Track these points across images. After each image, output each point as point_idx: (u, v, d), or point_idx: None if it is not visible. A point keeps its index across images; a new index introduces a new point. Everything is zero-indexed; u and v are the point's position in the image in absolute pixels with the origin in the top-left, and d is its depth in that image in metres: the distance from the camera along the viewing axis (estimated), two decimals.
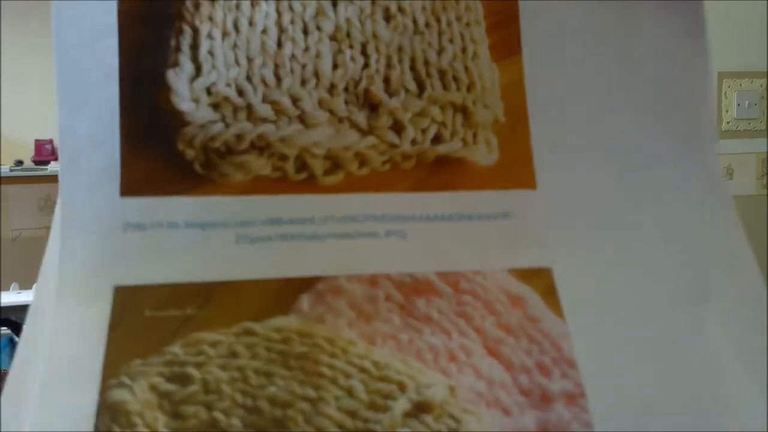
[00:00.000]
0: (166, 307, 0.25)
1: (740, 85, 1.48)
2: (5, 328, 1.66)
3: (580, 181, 0.29)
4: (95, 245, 0.26)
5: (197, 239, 0.26)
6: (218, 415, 0.23)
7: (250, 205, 0.27)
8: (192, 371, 0.24)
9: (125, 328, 0.25)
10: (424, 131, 0.29)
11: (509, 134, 0.29)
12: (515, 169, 0.29)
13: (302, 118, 0.28)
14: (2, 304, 1.56)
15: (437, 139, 0.29)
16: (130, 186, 0.27)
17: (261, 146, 0.28)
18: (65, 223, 0.26)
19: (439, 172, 0.29)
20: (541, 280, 0.27)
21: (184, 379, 0.24)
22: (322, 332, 0.25)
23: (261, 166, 0.28)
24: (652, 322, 0.26)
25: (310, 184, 0.28)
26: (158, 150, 0.27)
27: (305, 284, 0.26)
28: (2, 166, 2.28)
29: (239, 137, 0.28)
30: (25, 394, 0.23)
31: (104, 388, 0.23)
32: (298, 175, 0.28)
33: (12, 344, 1.69)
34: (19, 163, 2.34)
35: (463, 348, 0.26)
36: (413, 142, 0.28)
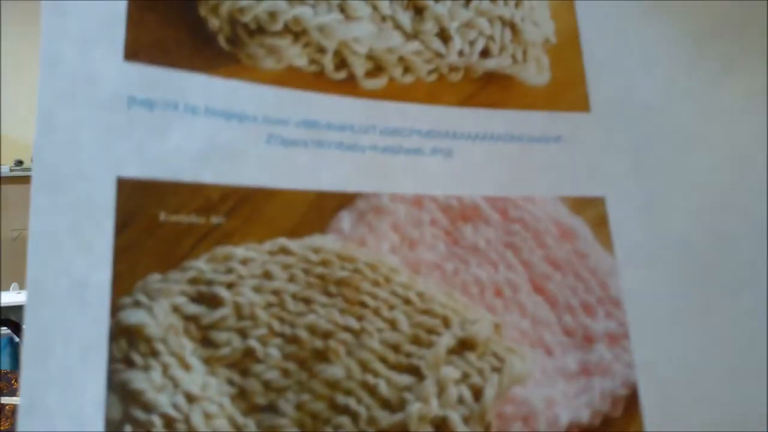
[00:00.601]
0: (186, 212, 0.21)
1: None
2: (5, 328, 1.58)
3: (637, 104, 0.27)
4: (91, 123, 0.21)
5: (220, 130, 0.22)
6: (254, 344, 0.21)
7: (283, 100, 0.23)
8: (222, 292, 0.21)
9: (135, 233, 0.21)
10: (471, 43, 0.26)
11: (561, 55, 0.27)
12: (567, 91, 0.27)
13: (343, 8, 0.24)
14: (2, 304, 1.50)
15: (485, 54, 0.26)
16: (138, 49, 0.22)
17: (296, 31, 0.23)
18: (49, 87, 0.20)
19: (488, 89, 0.26)
20: (593, 209, 0.25)
21: (212, 301, 0.21)
22: (363, 257, 0.23)
23: (296, 54, 0.23)
24: (709, 261, 0.25)
25: (350, 86, 0.24)
26: (177, 10, 0.22)
27: (344, 200, 0.23)
28: (2, 166, 2.24)
29: (272, 15, 0.23)
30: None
31: (116, 308, 0.20)
32: (337, 73, 0.24)
33: (12, 344, 1.60)
34: (19, 163, 2.28)
35: (509, 283, 0.24)
36: (460, 53, 0.25)
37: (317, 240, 0.22)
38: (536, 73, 0.26)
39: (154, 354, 0.20)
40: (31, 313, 0.19)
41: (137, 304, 0.20)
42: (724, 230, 0.25)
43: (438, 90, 0.25)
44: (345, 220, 0.23)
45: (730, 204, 0.26)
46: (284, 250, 0.22)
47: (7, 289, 1.71)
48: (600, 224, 0.25)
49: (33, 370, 0.18)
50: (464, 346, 0.22)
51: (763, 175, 0.26)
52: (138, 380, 0.19)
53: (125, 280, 0.20)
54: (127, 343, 0.20)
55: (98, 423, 0.18)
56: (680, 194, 0.26)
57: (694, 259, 0.25)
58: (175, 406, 0.19)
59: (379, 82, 0.24)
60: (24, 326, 0.19)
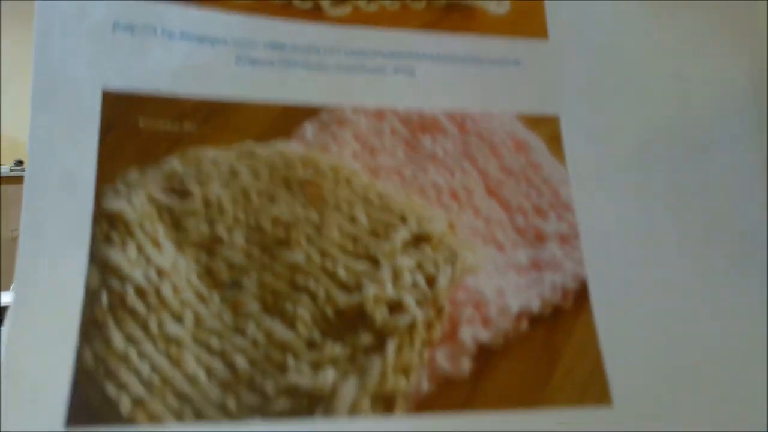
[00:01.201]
0: (162, 119, 0.24)
1: None
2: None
3: (592, 34, 0.28)
4: (81, 45, 0.24)
5: (194, 52, 0.25)
6: (221, 231, 0.23)
7: (251, 25, 0.26)
8: (192, 186, 0.23)
9: (118, 135, 0.23)
10: None
11: None
12: (527, 20, 0.28)
13: None
14: (2, 304, 1.56)
15: None
16: None
17: None
18: (46, 15, 0.24)
19: (450, 16, 0.28)
20: (547, 127, 0.27)
21: (184, 194, 0.23)
22: (326, 161, 0.25)
23: None
24: (654, 177, 0.26)
25: (316, 14, 0.26)
26: None
27: (309, 113, 0.25)
28: (2, 166, 2.24)
29: None
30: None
31: (99, 195, 0.22)
32: (304, 3, 0.26)
33: None
34: (19, 163, 2.28)
35: (465, 188, 0.26)
36: None
37: (282, 145, 0.25)
38: (496, 2, 0.28)
39: (131, 235, 0.22)
40: (28, 198, 0.22)
41: (118, 193, 0.23)
42: (669, 154, 0.27)
43: (401, 17, 0.27)
44: (309, 129, 0.25)
45: (674, 131, 0.27)
46: (251, 153, 0.24)
47: (7, 289, 1.74)
48: (554, 141, 0.27)
49: (28, 245, 0.21)
50: (420, 240, 0.24)
51: (706, 108, 0.27)
52: (116, 256, 0.22)
53: (108, 174, 0.23)
54: (108, 225, 0.22)
55: (79, 290, 0.21)
56: (629, 117, 0.27)
57: (640, 174, 0.26)
58: (147, 279, 0.21)
59: (344, 10, 0.27)
60: (22, 210, 0.22)
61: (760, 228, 0.25)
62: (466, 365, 0.22)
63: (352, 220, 0.24)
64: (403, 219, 0.24)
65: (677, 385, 0.22)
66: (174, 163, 0.24)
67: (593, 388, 0.22)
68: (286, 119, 0.25)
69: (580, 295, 0.24)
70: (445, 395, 0.22)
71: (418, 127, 0.26)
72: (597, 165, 0.26)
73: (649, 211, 0.25)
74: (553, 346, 0.23)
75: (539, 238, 0.25)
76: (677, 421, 0.22)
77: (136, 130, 0.24)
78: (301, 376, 0.21)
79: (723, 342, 0.23)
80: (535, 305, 0.24)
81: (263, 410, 0.20)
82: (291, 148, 0.25)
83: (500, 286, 0.24)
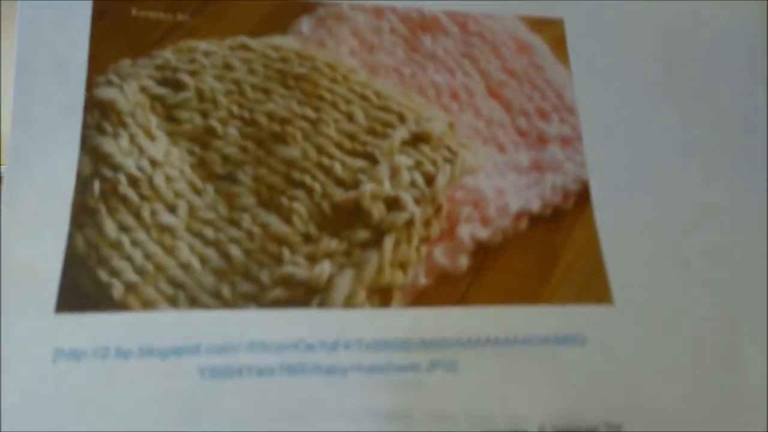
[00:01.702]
0: (155, 9, 0.23)
1: None
2: None
3: None
4: None
5: None
6: (214, 123, 0.22)
7: None
8: (185, 78, 0.23)
9: (110, 24, 0.23)
10: None
11: None
12: None
13: None
14: None
15: None
16: None
17: None
18: None
19: None
20: (551, 29, 0.26)
21: (176, 85, 0.23)
22: (322, 56, 0.24)
23: None
24: (658, 79, 0.25)
25: None
26: None
27: (305, 8, 0.24)
28: (2, 166, 2.20)
29: None
30: None
31: (91, 85, 0.22)
32: None
33: None
34: None
35: (465, 88, 0.25)
36: None
37: (277, 39, 0.24)
38: None
39: (123, 125, 0.22)
40: (18, 83, 0.21)
41: (110, 82, 0.22)
42: (674, 55, 0.26)
43: None
44: (305, 23, 0.24)
45: (680, 33, 0.26)
46: (245, 46, 0.24)
47: None
48: (558, 43, 0.26)
49: (19, 130, 0.21)
50: (419, 139, 0.24)
51: (714, 10, 0.26)
52: (108, 145, 0.21)
53: (100, 62, 0.22)
54: (99, 114, 0.22)
55: (71, 177, 0.20)
56: (634, 20, 0.26)
57: (645, 76, 0.25)
58: (140, 168, 0.21)
59: None
60: (12, 94, 0.21)
61: (762, 132, 0.25)
62: (463, 261, 0.22)
63: (350, 117, 0.23)
64: (402, 118, 0.24)
65: (678, 284, 0.22)
66: (166, 54, 0.23)
67: (593, 287, 0.22)
68: (281, 13, 0.24)
69: (582, 196, 0.24)
70: (443, 290, 0.22)
71: (418, 25, 0.25)
72: (601, 68, 0.25)
73: (654, 113, 0.25)
74: (552, 245, 0.23)
75: (541, 140, 0.25)
76: (677, 320, 0.21)
77: (128, 18, 0.23)
78: (297, 267, 0.20)
79: (723, 242, 0.23)
80: (536, 205, 0.23)
81: (258, 299, 0.20)
82: (287, 42, 0.24)
83: (500, 186, 0.24)
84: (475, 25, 0.26)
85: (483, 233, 0.23)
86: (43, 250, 0.19)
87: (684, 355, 0.21)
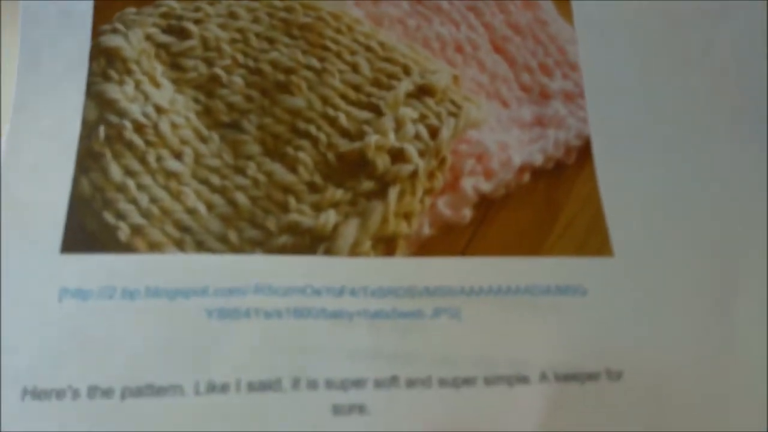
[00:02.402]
0: None
1: None
2: None
3: None
4: None
5: None
6: (219, 72, 0.22)
7: None
8: (190, 26, 0.23)
9: None
10: None
11: None
12: None
13: None
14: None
15: None
16: None
17: None
18: None
19: None
20: None
21: (181, 33, 0.23)
22: (327, 6, 0.24)
23: None
24: (662, 40, 0.25)
25: None
26: None
27: None
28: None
29: None
30: None
31: (96, 33, 0.22)
32: None
33: None
34: None
35: (470, 41, 0.25)
36: None
37: None
38: None
39: (129, 72, 0.22)
40: (24, 33, 0.21)
41: (115, 30, 0.22)
42: (675, 16, 0.26)
43: None
44: None
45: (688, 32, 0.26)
46: None
47: None
48: (562, 1, 0.26)
49: (25, 78, 0.21)
50: (423, 91, 0.24)
51: None
52: (113, 91, 0.21)
53: (105, 11, 0.22)
54: (105, 61, 0.21)
55: (76, 123, 0.20)
56: None
57: (646, 35, 0.25)
58: (145, 115, 0.21)
59: None
60: (19, 43, 0.21)
61: (762, 90, 0.25)
62: (467, 213, 0.22)
63: (354, 68, 0.23)
64: (407, 70, 0.24)
65: (676, 237, 0.22)
66: (171, 2, 0.23)
67: (594, 240, 0.22)
68: None
69: (583, 151, 0.24)
70: (446, 240, 0.22)
71: None
72: (604, 25, 0.25)
73: (655, 69, 0.25)
74: (554, 198, 0.23)
75: (544, 96, 0.25)
76: (675, 272, 0.22)
77: None
78: (302, 215, 0.21)
79: (722, 199, 0.23)
80: (538, 159, 0.24)
81: (265, 245, 0.20)
82: None
83: (503, 141, 0.24)
84: None
85: (486, 186, 0.23)
86: (48, 193, 0.19)
87: (681, 306, 0.21)
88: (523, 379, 0.19)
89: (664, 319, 0.21)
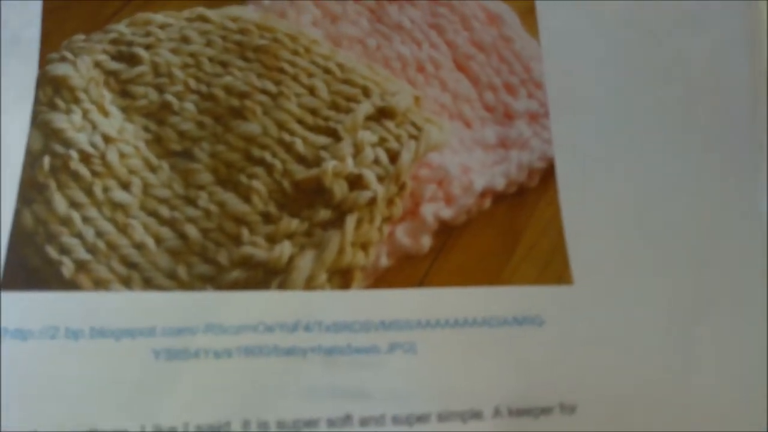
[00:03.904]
0: None
1: None
2: None
3: None
4: None
5: None
6: (170, 98, 0.22)
7: None
8: (140, 52, 0.22)
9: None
10: None
11: None
12: None
13: None
14: None
15: None
16: None
17: None
18: None
19: None
20: None
21: (131, 59, 0.22)
22: (283, 27, 0.23)
23: None
24: (632, 53, 0.25)
25: None
26: None
27: None
28: None
29: None
30: None
31: (44, 62, 0.21)
32: None
33: None
34: None
35: (432, 60, 0.24)
36: None
37: (235, 10, 0.23)
38: None
39: (76, 101, 0.21)
40: None
41: (63, 59, 0.21)
42: (649, 26, 0.25)
43: None
44: None
45: (654, 8, 0.25)
46: (202, 18, 0.23)
47: None
48: (528, 14, 0.25)
49: None
50: (383, 114, 0.23)
51: None
52: (59, 120, 0.20)
53: (53, 38, 0.21)
54: (52, 90, 0.21)
55: (20, 153, 0.20)
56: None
57: (618, 48, 0.25)
58: (93, 144, 0.20)
59: None
60: None
61: (739, 106, 0.24)
62: (426, 242, 0.22)
63: (312, 91, 0.23)
64: (366, 92, 0.23)
65: (638, 265, 0.22)
66: (121, 28, 0.22)
67: (554, 266, 0.22)
68: None
69: (547, 174, 0.23)
70: (404, 271, 0.21)
71: None
72: (572, 42, 0.25)
73: (623, 87, 0.24)
74: (515, 223, 0.23)
75: (508, 116, 0.24)
76: (635, 301, 0.22)
77: None
78: (256, 248, 0.20)
79: (686, 224, 0.23)
80: (500, 183, 0.23)
81: (216, 280, 0.20)
82: (246, 13, 0.23)
83: (465, 163, 0.23)
84: None
85: (447, 212, 0.22)
86: None
87: (639, 335, 0.21)
88: (477, 415, 0.19)
89: (621, 348, 0.21)
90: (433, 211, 0.22)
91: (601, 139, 0.24)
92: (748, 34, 0.25)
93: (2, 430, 0.17)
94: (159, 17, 0.22)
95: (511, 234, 0.23)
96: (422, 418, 0.19)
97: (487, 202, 0.23)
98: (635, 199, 0.23)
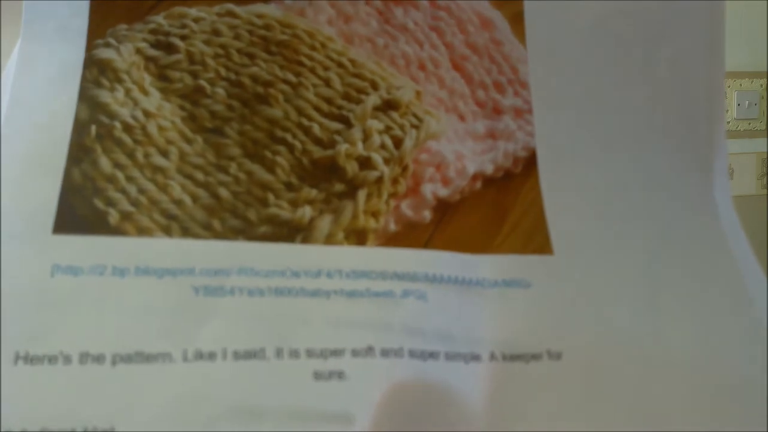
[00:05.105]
0: None
1: (740, 85, 1.38)
2: None
3: None
4: None
5: None
6: (203, 83, 0.24)
7: None
8: (177, 41, 0.25)
9: None
10: None
11: None
12: None
13: None
14: None
15: None
16: None
17: None
18: None
19: None
20: (511, 6, 0.29)
21: (169, 48, 0.25)
22: (302, 25, 0.26)
23: None
24: (608, 60, 0.28)
25: None
26: None
27: None
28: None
29: None
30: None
31: (90, 47, 0.24)
32: None
33: None
34: None
35: (431, 59, 0.28)
36: None
37: (261, 7, 0.26)
38: None
39: (119, 81, 0.24)
40: (23, 48, 0.23)
41: (107, 44, 0.24)
42: (621, 34, 0.29)
43: None
44: None
45: (629, 13, 0.29)
46: (231, 13, 0.26)
47: None
48: (516, 20, 0.29)
49: (21, 80, 0.22)
50: (389, 105, 0.26)
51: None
52: (104, 96, 0.23)
53: (99, 28, 0.24)
54: (97, 71, 0.23)
55: (69, 120, 0.22)
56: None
57: (592, 56, 0.28)
58: (134, 117, 0.23)
59: None
60: (17, 54, 0.23)
61: (698, 106, 0.28)
62: (427, 215, 0.25)
63: (327, 82, 0.26)
64: (374, 85, 0.26)
65: (610, 238, 0.25)
66: (159, 19, 0.25)
67: (536, 240, 0.25)
68: None
69: (529, 162, 0.27)
70: (410, 235, 0.24)
71: None
72: (554, 48, 0.28)
73: (598, 88, 0.28)
74: (502, 203, 0.26)
75: (496, 111, 0.28)
76: (609, 267, 0.25)
77: None
78: (281, 209, 0.23)
79: (653, 201, 0.26)
80: (489, 169, 0.26)
81: (247, 233, 0.22)
82: (269, 10, 0.26)
83: (459, 151, 0.27)
84: (443, 0, 0.28)
85: (443, 191, 0.26)
86: (40, 181, 0.21)
87: (613, 296, 0.24)
88: (476, 358, 0.22)
89: (596, 305, 0.24)
90: (431, 189, 0.25)
91: (577, 133, 0.27)
92: (709, 42, 0.29)
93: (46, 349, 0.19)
94: (193, 11, 0.25)
95: (498, 212, 0.26)
96: (434, 355, 0.21)
97: (478, 185, 0.26)
98: (605, 186, 0.27)
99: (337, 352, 0.20)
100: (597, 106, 0.28)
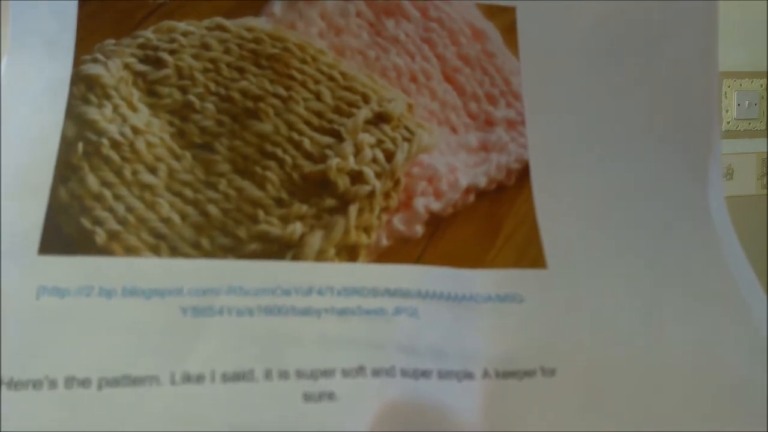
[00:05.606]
0: None
1: (740, 85, 1.37)
2: None
3: None
4: None
5: None
6: (192, 98, 0.24)
7: None
8: (165, 56, 0.24)
9: (95, 7, 0.24)
10: None
11: None
12: None
13: None
14: None
15: None
16: None
17: None
18: None
19: None
20: (504, 17, 0.28)
21: (157, 63, 0.24)
22: (293, 38, 0.26)
23: None
24: (602, 68, 0.28)
25: None
26: None
27: None
28: None
29: None
30: None
31: (78, 62, 0.23)
32: None
33: None
34: None
35: (423, 71, 0.27)
36: None
37: (251, 21, 0.26)
38: None
39: (107, 97, 0.23)
40: (10, 62, 0.23)
41: (95, 60, 0.24)
42: (618, 44, 0.29)
43: None
44: (277, 6, 0.26)
45: (626, 22, 0.29)
46: (220, 27, 0.25)
47: None
48: (509, 31, 0.29)
49: (6, 98, 0.22)
50: (380, 119, 0.26)
51: (653, 8, 0.29)
52: (92, 113, 0.23)
53: (86, 42, 0.24)
54: (85, 87, 0.23)
55: (55, 138, 0.22)
56: (582, 8, 0.29)
57: (588, 65, 0.28)
58: (122, 134, 0.23)
59: None
60: (3, 70, 0.23)
61: (695, 112, 0.28)
62: (419, 229, 0.25)
63: (318, 96, 0.26)
64: (366, 99, 0.26)
65: (604, 252, 0.25)
66: (148, 34, 0.25)
67: (530, 254, 0.25)
68: None
69: (522, 174, 0.27)
70: (402, 250, 0.24)
71: (383, 10, 0.28)
72: (548, 56, 0.28)
73: (592, 99, 0.28)
74: (495, 216, 0.26)
75: (489, 123, 0.28)
76: (603, 281, 0.25)
77: (112, 1, 0.24)
78: (271, 226, 0.23)
79: (646, 213, 0.26)
80: (482, 181, 0.26)
81: (236, 251, 0.22)
82: (260, 23, 0.26)
83: (452, 164, 0.26)
84: (435, 11, 0.28)
85: (436, 205, 0.25)
86: (26, 200, 0.21)
87: (608, 311, 0.24)
88: (469, 375, 0.22)
89: (590, 321, 0.24)
90: (424, 203, 0.25)
91: (571, 145, 0.27)
92: (704, 47, 0.28)
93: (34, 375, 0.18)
94: (182, 25, 0.25)
95: (492, 225, 0.26)
96: (426, 374, 0.21)
97: (471, 198, 0.26)
98: (600, 196, 0.26)
99: (327, 373, 0.20)
100: (593, 113, 0.27)
